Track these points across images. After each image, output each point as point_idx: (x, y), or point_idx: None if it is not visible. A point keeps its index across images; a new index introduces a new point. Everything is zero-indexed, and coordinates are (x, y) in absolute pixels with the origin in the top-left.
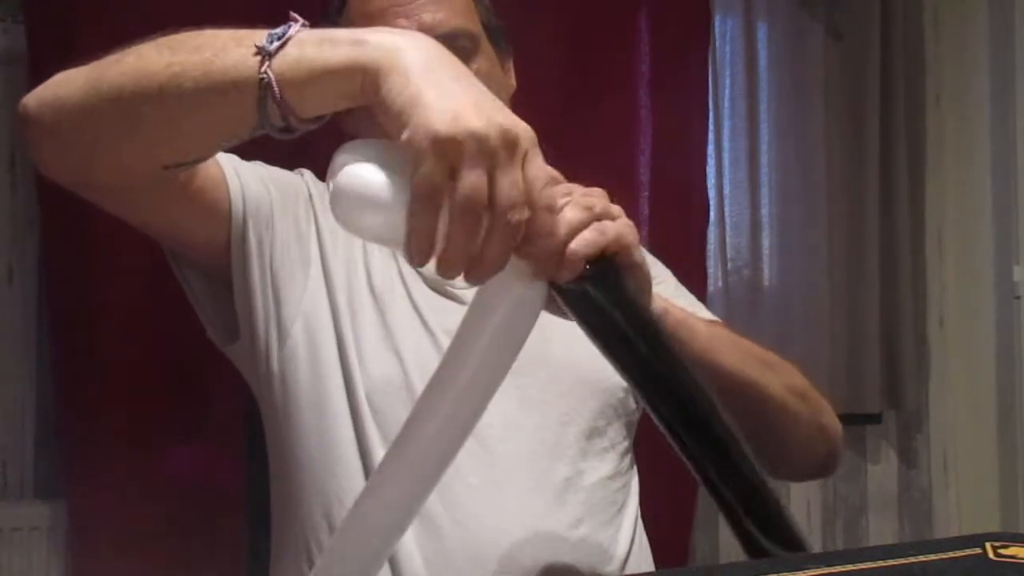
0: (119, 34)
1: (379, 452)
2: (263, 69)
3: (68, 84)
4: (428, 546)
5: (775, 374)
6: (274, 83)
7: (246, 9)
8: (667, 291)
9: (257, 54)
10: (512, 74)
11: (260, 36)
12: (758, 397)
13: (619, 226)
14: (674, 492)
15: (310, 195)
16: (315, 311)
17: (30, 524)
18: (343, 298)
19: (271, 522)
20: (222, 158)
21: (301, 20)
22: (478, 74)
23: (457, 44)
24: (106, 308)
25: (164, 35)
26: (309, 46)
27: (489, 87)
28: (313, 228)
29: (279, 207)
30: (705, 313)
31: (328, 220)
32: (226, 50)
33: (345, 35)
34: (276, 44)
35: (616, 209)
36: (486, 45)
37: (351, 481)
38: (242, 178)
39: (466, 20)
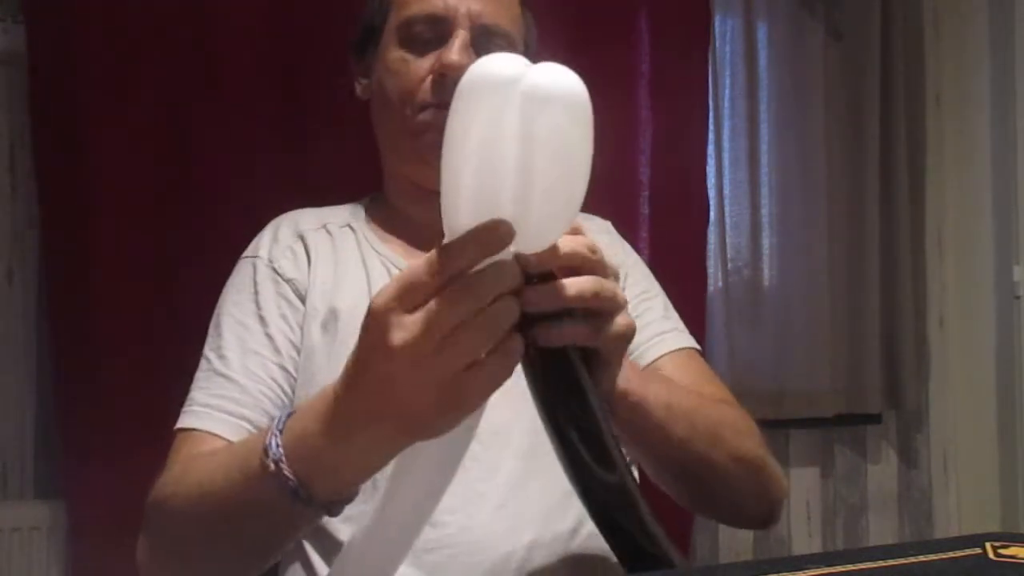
0: (119, 34)
1: None
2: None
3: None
4: (434, 551)
5: (724, 445)
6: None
7: (246, 9)
8: (637, 288)
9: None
10: None
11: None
12: (704, 469)
13: (630, 321)
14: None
15: (281, 275)
16: (309, 343)
17: (30, 524)
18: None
19: None
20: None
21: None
22: None
23: (493, 40)
24: (106, 308)
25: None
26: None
27: None
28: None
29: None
30: (676, 322)
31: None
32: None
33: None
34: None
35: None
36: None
37: None
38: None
39: (510, 25)
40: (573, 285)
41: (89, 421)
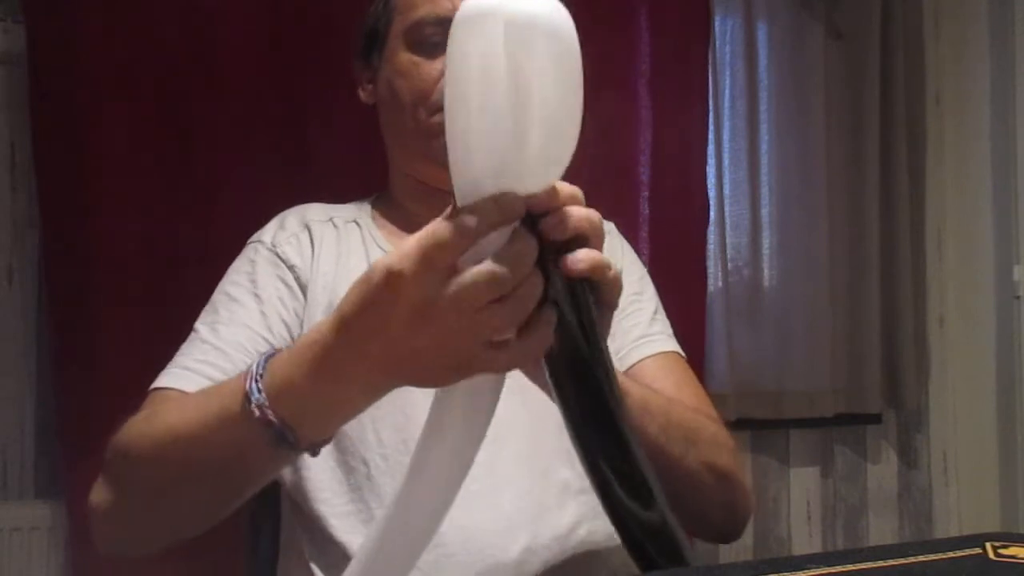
0: (119, 34)
1: (373, 455)
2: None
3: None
4: (430, 550)
5: (696, 450)
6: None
7: (245, 8)
8: (629, 289)
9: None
10: None
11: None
12: (673, 469)
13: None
14: None
15: (284, 260)
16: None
17: (30, 524)
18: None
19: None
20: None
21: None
22: None
23: None
24: (106, 308)
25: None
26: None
27: None
28: (291, 277)
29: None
30: (664, 327)
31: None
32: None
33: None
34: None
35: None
36: None
37: (338, 489)
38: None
39: None
40: (581, 211)
41: (89, 421)
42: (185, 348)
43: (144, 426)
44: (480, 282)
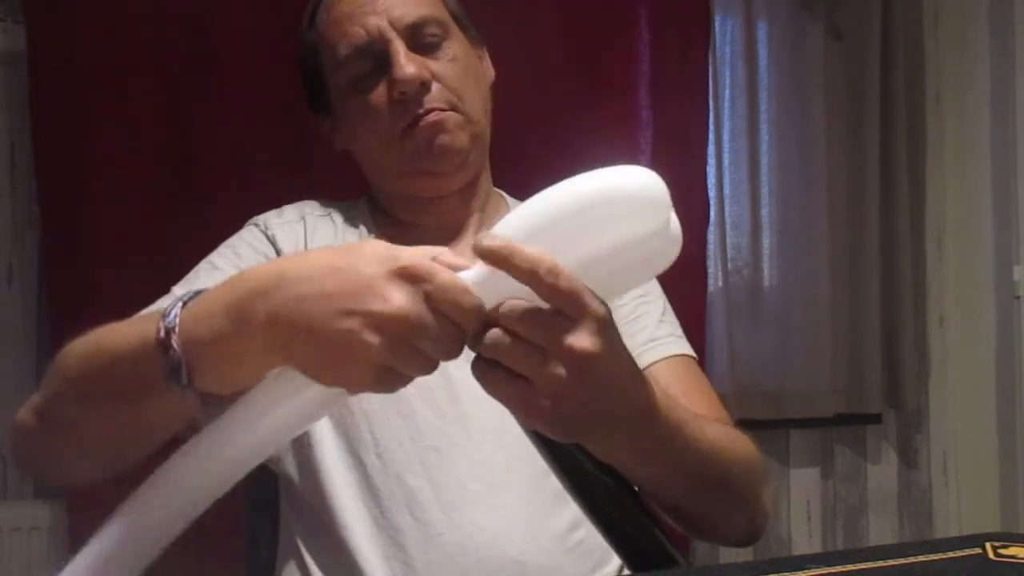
0: (119, 34)
1: (369, 454)
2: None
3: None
4: (428, 550)
5: (735, 464)
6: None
7: (245, 8)
8: (631, 294)
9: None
10: (489, 64)
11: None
12: (722, 480)
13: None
14: None
15: (272, 242)
16: None
17: (30, 524)
18: None
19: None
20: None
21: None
22: (453, 60)
23: (427, 31)
24: (106, 307)
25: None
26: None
27: (465, 73)
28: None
29: None
30: (673, 328)
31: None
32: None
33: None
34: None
35: None
36: (457, 32)
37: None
38: None
39: (433, 8)
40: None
41: None
42: (156, 303)
43: (79, 343)
44: (420, 318)
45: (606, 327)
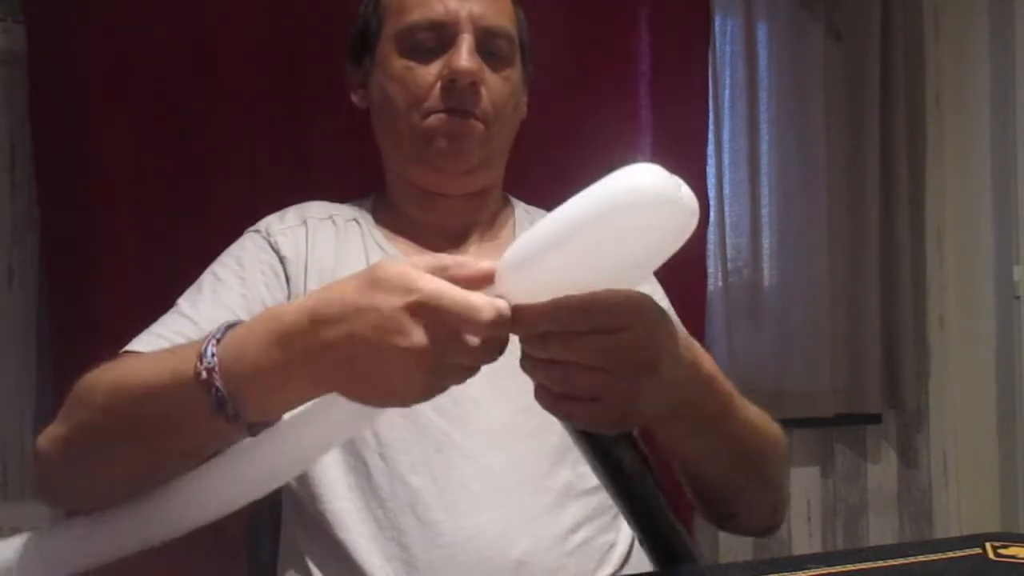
0: (119, 34)
1: (372, 455)
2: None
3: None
4: (430, 551)
5: (770, 446)
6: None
7: (245, 8)
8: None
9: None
10: (525, 102)
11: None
12: (760, 459)
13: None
14: (673, 493)
15: (276, 250)
16: None
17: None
18: None
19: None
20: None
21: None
22: (506, 80)
23: (497, 42)
24: (106, 308)
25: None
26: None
27: (511, 98)
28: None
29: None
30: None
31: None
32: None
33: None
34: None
35: None
36: (518, 60)
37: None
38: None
39: (511, 26)
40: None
41: None
42: (163, 319)
43: (102, 374)
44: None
45: (653, 320)
